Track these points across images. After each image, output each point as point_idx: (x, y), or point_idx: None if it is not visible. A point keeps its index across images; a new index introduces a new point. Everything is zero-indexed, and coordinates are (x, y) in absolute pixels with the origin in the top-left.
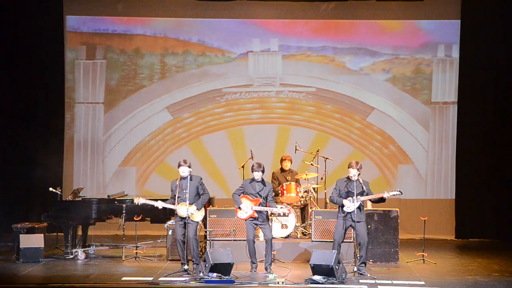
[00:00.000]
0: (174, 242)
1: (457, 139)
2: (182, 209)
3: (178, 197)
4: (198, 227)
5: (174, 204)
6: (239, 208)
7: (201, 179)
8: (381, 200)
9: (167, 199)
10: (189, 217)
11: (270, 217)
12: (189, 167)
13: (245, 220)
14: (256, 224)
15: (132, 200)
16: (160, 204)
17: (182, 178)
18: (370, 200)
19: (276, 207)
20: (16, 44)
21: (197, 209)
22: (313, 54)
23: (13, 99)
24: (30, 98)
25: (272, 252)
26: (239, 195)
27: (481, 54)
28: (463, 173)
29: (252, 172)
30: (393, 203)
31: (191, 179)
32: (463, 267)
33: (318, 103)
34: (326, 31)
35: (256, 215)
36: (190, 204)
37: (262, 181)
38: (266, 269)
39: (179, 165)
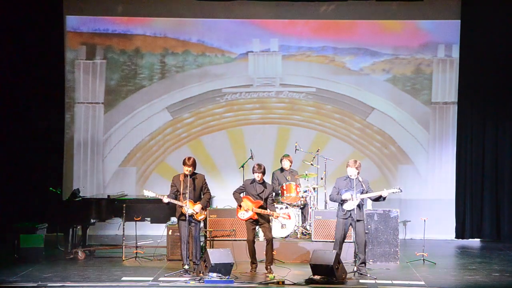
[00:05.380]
0: (174, 242)
1: (457, 139)
2: (189, 208)
3: (182, 193)
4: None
5: (178, 200)
6: (240, 206)
7: (205, 177)
8: (381, 198)
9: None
10: (193, 217)
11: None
12: (195, 164)
13: (245, 220)
14: (256, 225)
15: (132, 199)
16: (166, 199)
17: (186, 175)
18: (370, 198)
19: (275, 209)
20: (16, 44)
21: (202, 208)
22: (313, 54)
23: (13, 99)
24: (30, 98)
25: (272, 252)
26: (240, 194)
27: (481, 54)
28: (463, 173)
29: (253, 173)
30: (393, 203)
31: (195, 177)
32: (463, 267)
33: (318, 103)
34: (326, 31)
35: (256, 216)
36: (195, 202)
37: (263, 183)
38: (266, 269)
39: (185, 163)
